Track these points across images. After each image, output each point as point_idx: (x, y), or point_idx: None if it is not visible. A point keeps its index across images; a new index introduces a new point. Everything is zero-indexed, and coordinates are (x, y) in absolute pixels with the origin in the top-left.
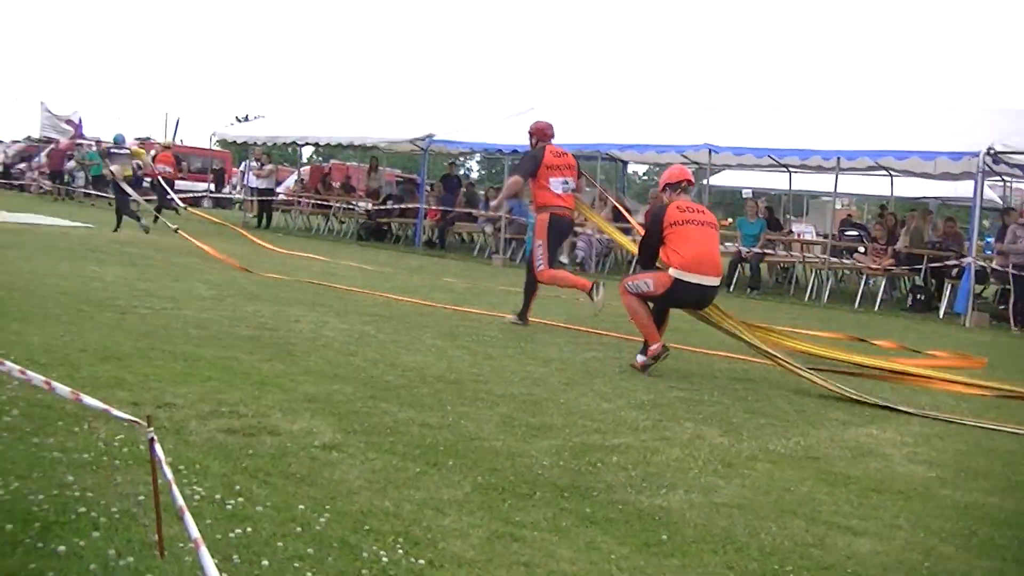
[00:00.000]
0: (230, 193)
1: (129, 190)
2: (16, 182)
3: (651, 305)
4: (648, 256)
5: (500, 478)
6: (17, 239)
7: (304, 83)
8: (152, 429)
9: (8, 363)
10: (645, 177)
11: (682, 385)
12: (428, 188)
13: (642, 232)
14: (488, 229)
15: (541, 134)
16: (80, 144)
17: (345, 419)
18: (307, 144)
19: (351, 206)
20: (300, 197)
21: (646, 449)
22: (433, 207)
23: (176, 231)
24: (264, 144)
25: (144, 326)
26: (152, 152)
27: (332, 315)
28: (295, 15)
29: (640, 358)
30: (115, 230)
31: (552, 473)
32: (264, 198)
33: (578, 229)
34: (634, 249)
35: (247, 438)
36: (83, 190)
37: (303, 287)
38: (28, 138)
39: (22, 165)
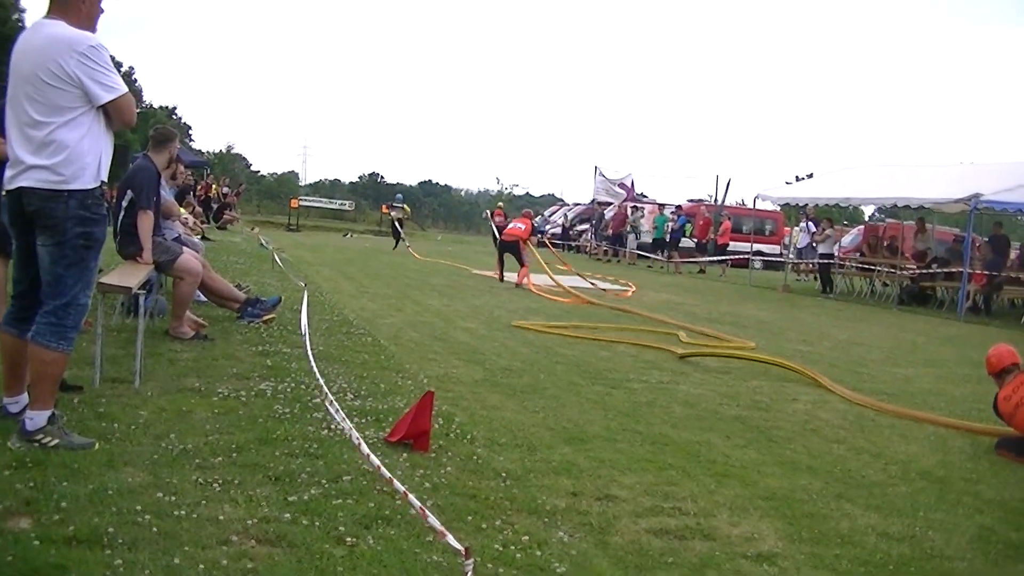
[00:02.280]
0: (780, 254)
1: (401, 231)
2: (574, 243)
3: None
4: None
5: None
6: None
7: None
8: (471, 562)
9: (380, 465)
10: None
11: None
12: (975, 250)
13: None
14: None
15: None
16: (636, 207)
17: (796, 523)
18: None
19: (893, 270)
20: (844, 260)
21: None
22: (977, 271)
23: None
24: (807, 205)
25: (628, 403)
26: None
27: (835, 395)
28: (851, 82)
29: None
30: (394, 248)
31: None
32: (823, 262)
33: None
34: None
35: (675, 541)
36: (635, 251)
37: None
38: (593, 201)
39: (582, 227)
